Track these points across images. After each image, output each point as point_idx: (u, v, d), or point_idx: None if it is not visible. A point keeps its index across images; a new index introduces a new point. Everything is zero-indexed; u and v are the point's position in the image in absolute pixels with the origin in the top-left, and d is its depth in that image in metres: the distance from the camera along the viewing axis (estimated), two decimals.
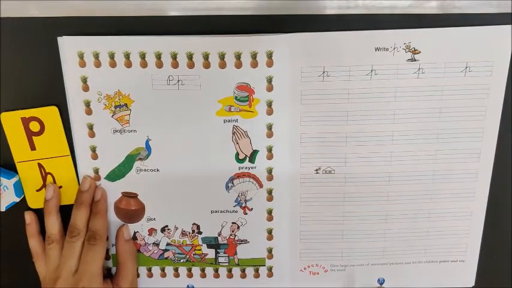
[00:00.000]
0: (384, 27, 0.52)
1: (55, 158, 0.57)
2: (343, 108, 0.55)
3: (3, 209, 0.57)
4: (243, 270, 0.62)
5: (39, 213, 0.58)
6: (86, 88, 0.54)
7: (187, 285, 0.63)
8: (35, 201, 0.58)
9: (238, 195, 0.58)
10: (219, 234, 0.60)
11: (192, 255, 0.61)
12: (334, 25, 0.52)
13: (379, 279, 0.62)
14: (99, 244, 0.56)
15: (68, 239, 0.55)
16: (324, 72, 0.53)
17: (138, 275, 0.62)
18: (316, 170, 0.57)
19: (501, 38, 0.53)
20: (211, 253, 0.61)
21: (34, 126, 0.55)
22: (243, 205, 0.58)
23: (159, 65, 0.53)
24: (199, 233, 0.60)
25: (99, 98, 0.54)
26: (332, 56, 0.53)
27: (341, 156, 0.57)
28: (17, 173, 0.57)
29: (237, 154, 0.56)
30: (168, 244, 0.61)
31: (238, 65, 0.53)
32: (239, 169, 0.57)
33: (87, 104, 0.55)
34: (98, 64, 0.53)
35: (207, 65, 0.53)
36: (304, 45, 0.52)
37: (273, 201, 0.58)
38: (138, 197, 0.58)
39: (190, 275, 0.62)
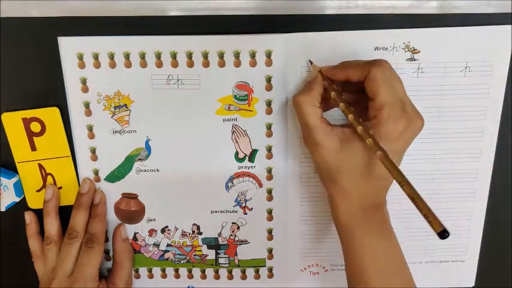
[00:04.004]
0: (383, 27, 0.52)
1: (55, 158, 0.57)
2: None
3: (3, 209, 0.57)
4: (244, 271, 0.62)
5: (39, 214, 0.58)
6: (85, 89, 0.54)
7: (188, 286, 0.63)
8: (35, 201, 0.58)
9: (238, 195, 0.58)
10: (219, 235, 0.60)
11: (192, 256, 0.61)
12: (334, 25, 0.52)
13: None
14: (96, 247, 0.56)
15: (66, 240, 0.56)
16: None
17: (138, 276, 0.62)
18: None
19: (501, 38, 0.53)
20: (211, 254, 0.61)
21: (35, 127, 0.55)
22: (242, 205, 0.58)
23: (159, 64, 0.53)
24: (200, 233, 0.60)
25: (99, 99, 0.54)
26: (332, 56, 0.53)
27: None
28: (17, 173, 0.57)
29: (237, 153, 0.56)
30: (168, 245, 0.61)
31: (237, 64, 0.53)
32: (239, 168, 0.57)
33: (87, 105, 0.55)
34: (97, 65, 0.53)
35: (206, 64, 0.53)
36: (303, 45, 0.52)
37: (273, 201, 0.58)
38: (138, 197, 0.59)
39: (190, 276, 0.62)
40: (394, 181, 0.51)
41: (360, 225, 0.48)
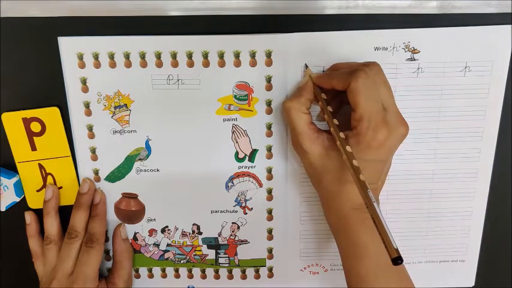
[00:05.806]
0: (383, 27, 0.52)
1: (56, 158, 0.57)
2: None
3: (3, 209, 0.57)
4: (244, 271, 0.62)
5: (40, 214, 0.58)
6: (85, 89, 0.54)
7: (188, 286, 0.63)
8: (35, 201, 0.58)
9: (238, 195, 0.58)
10: (219, 235, 0.60)
11: (192, 256, 0.61)
12: (334, 25, 0.52)
13: None
14: (96, 247, 0.56)
15: (66, 240, 0.56)
16: (323, 72, 0.53)
17: (139, 276, 0.62)
18: None
19: (501, 38, 0.53)
20: (211, 254, 0.61)
21: (35, 127, 0.55)
22: (242, 205, 0.58)
23: (159, 64, 0.53)
24: (200, 233, 0.60)
25: (99, 99, 0.54)
26: (332, 56, 0.53)
27: None
28: (18, 173, 0.57)
29: (237, 153, 0.56)
30: (168, 245, 0.61)
31: (237, 63, 0.53)
32: (239, 168, 0.57)
33: (87, 105, 0.55)
34: (97, 65, 0.53)
35: (206, 64, 0.53)
36: (303, 45, 0.52)
37: (273, 200, 0.58)
38: (138, 197, 0.58)
39: (190, 276, 0.62)
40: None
41: (353, 226, 0.49)
